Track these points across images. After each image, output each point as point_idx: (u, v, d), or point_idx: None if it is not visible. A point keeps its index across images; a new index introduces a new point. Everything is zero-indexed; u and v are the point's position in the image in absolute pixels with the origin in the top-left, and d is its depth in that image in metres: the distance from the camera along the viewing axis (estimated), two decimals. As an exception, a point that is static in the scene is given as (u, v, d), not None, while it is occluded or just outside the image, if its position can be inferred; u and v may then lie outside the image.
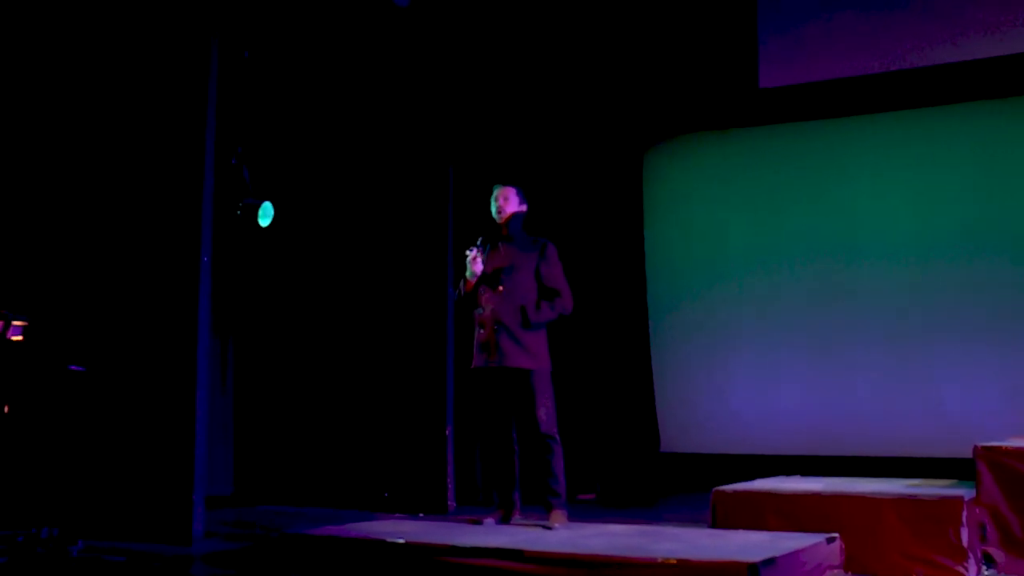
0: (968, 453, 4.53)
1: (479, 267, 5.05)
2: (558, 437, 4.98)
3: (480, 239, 5.15)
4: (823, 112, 7.28)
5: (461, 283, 5.16)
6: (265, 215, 6.27)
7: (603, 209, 7.62)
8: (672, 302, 7.68)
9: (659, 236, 7.75)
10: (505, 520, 5.04)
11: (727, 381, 7.47)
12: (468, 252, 5.08)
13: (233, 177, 6.24)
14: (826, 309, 7.22)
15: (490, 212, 5.16)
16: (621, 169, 7.70)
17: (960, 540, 4.25)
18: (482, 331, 5.04)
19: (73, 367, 5.54)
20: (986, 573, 4.38)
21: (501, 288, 5.00)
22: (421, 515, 6.27)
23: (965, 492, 4.43)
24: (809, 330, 7.26)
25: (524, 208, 5.18)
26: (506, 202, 5.12)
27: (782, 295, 7.37)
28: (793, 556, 3.94)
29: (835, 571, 4.23)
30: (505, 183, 5.18)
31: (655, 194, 7.81)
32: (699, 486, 6.20)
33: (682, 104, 7.46)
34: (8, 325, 5.18)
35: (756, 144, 7.56)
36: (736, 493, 4.85)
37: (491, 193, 5.19)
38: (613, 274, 7.56)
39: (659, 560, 3.83)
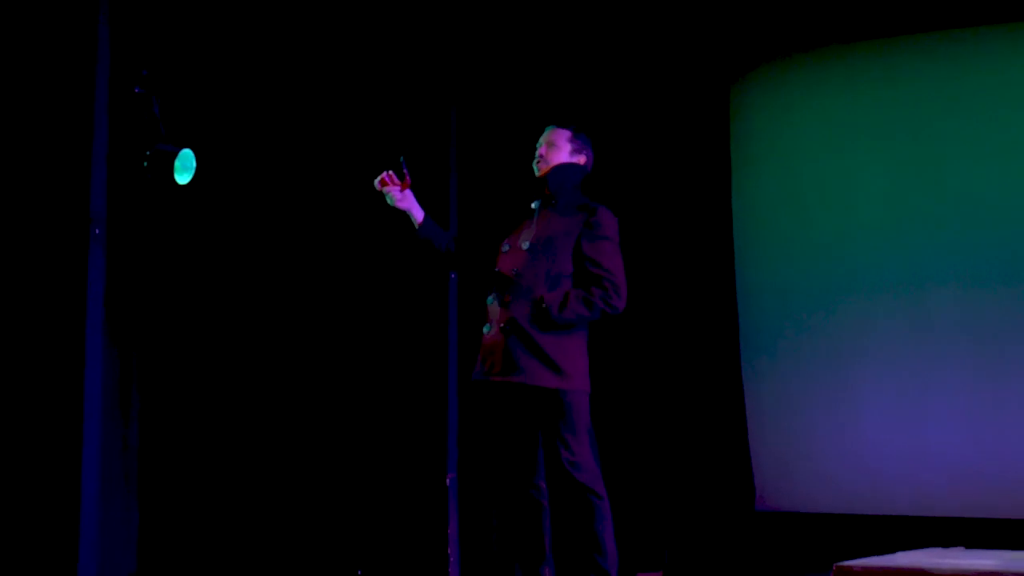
0: None
1: (399, 198, 5.18)
2: (602, 490, 4.95)
3: (402, 157, 5.21)
4: (1004, 13, 7.04)
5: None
6: (184, 168, 6.06)
7: (671, 168, 7.60)
8: (772, 302, 7.60)
9: (754, 206, 7.69)
10: (530, 608, 4.99)
11: (854, 413, 7.37)
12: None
13: (137, 112, 6.08)
14: (1000, 311, 7.05)
15: (520, 170, 5.28)
16: (697, 109, 7.66)
17: None
18: (489, 330, 5.08)
19: None
20: None
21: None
22: (410, 601, 6.37)
23: None
24: (975, 341, 7.10)
25: (579, 161, 5.23)
26: (551, 149, 5.20)
27: (936, 291, 7.23)
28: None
29: None
30: (561, 124, 5.27)
31: (747, 145, 7.73)
32: (812, 559, 6.36)
33: (786, 8, 7.37)
34: None
35: (897, 65, 7.37)
36: (868, 571, 4.78)
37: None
38: (685, 260, 7.57)
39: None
